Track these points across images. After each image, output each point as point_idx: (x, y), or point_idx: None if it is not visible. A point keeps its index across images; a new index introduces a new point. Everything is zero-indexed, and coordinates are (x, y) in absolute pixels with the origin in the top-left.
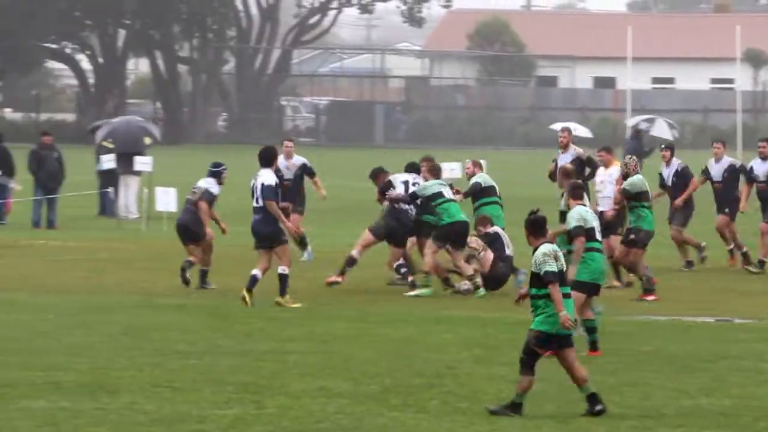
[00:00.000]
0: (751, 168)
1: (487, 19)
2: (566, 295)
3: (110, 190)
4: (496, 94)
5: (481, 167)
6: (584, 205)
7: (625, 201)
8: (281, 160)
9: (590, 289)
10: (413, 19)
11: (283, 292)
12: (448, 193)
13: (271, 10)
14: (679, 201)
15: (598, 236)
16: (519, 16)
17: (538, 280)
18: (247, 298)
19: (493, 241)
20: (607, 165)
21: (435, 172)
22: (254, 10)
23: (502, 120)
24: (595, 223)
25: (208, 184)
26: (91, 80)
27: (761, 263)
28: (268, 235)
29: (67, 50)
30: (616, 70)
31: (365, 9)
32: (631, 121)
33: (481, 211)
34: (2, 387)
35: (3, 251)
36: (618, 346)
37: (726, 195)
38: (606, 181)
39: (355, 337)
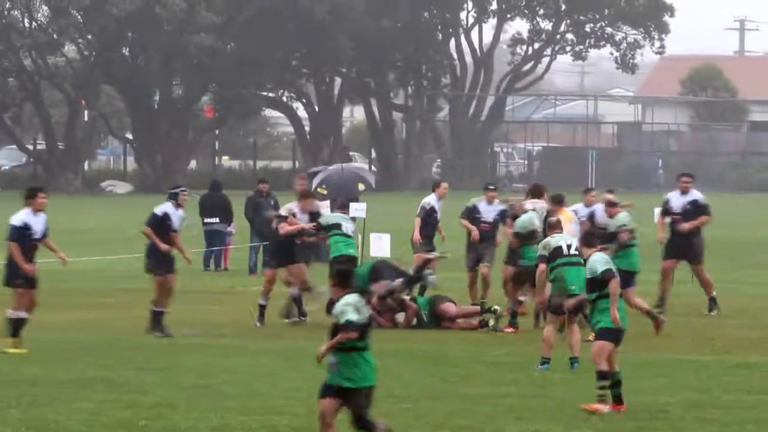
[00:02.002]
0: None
1: (699, 65)
2: (364, 348)
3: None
4: (709, 139)
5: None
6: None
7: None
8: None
9: (616, 335)
10: (626, 65)
11: (13, 333)
12: (346, 228)
13: (485, 58)
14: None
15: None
16: (731, 61)
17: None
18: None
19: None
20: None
21: (342, 209)
22: (468, 57)
23: (714, 165)
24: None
25: (164, 207)
26: (307, 128)
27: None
28: (6, 276)
29: (284, 98)
30: None
31: (578, 56)
32: None
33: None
34: (220, 430)
35: (219, 297)
36: None
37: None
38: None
39: (569, 381)
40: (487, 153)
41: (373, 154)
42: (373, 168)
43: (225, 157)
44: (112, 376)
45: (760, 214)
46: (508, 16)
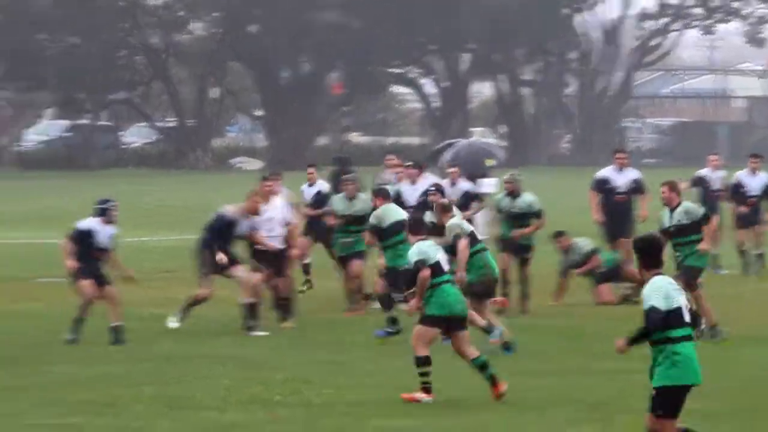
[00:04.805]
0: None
1: None
2: None
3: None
4: None
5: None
6: (425, 239)
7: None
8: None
9: (446, 322)
10: (754, 39)
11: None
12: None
13: (613, 33)
14: None
15: (446, 267)
16: None
17: None
18: None
19: None
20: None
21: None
22: (596, 33)
23: None
24: (440, 256)
25: (89, 224)
26: (435, 104)
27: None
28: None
29: (412, 75)
30: None
31: (707, 30)
32: None
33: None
34: (355, 406)
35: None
36: None
37: None
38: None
39: (709, 358)
40: (616, 128)
41: (503, 129)
42: (502, 143)
43: (354, 134)
44: (245, 354)
45: None
46: None
